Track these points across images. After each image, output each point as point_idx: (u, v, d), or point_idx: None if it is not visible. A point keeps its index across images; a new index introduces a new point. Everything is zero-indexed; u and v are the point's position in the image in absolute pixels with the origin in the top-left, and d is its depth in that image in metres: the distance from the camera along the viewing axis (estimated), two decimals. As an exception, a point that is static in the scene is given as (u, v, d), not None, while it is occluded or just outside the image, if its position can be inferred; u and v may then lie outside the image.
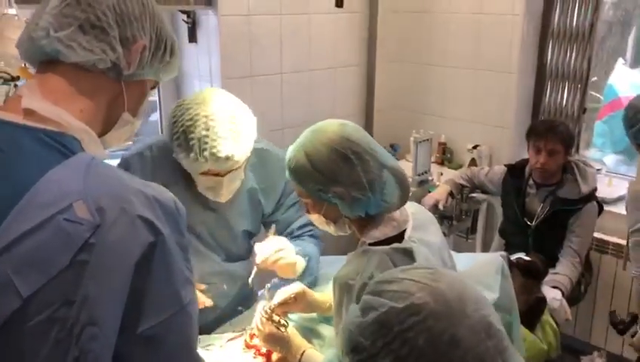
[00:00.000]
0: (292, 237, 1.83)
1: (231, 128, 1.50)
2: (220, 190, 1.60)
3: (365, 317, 0.82)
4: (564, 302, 2.46)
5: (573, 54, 3.04)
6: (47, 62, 0.92)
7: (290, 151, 1.35)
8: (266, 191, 1.80)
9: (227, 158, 1.50)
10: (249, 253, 1.85)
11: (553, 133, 2.60)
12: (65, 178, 0.81)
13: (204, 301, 1.62)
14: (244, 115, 1.56)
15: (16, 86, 1.70)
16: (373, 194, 1.30)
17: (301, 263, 1.72)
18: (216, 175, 1.56)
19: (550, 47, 3.12)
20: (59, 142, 0.85)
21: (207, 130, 1.47)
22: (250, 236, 1.83)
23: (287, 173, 1.37)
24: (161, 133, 2.93)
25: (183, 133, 1.49)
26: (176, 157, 1.54)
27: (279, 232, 1.78)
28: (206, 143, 1.47)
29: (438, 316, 0.78)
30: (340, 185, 1.29)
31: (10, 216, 0.78)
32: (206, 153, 1.47)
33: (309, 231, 1.85)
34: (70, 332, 0.74)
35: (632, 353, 2.58)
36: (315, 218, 1.41)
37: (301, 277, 1.73)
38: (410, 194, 1.40)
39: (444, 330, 0.77)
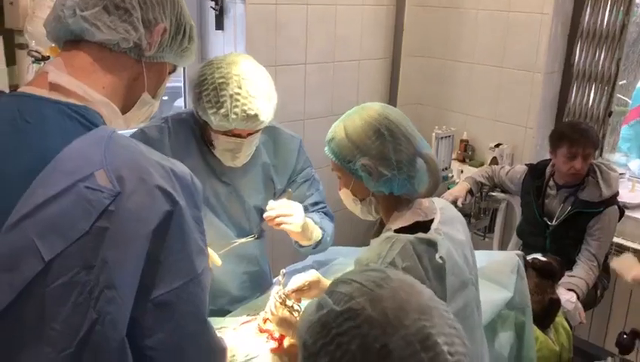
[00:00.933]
0: (306, 213, 1.85)
1: (262, 88, 1.56)
2: (239, 152, 1.63)
3: (315, 315, 0.82)
4: (579, 304, 2.44)
5: (602, 56, 3.00)
6: (72, 42, 0.96)
7: (334, 124, 1.40)
8: (278, 167, 1.83)
9: (257, 117, 1.54)
10: (260, 233, 1.88)
11: (586, 137, 2.58)
12: (87, 148, 0.84)
13: (214, 259, 1.60)
14: (270, 79, 1.62)
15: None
16: (399, 173, 1.31)
17: (317, 232, 1.77)
18: (238, 136, 1.60)
19: (579, 47, 3.07)
20: (82, 115, 0.89)
21: (240, 87, 1.52)
22: (262, 215, 1.85)
23: (326, 146, 1.39)
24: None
25: (214, 90, 1.53)
26: (202, 114, 1.57)
27: None
28: (237, 100, 1.52)
29: (372, 323, 0.77)
30: (368, 158, 1.31)
31: (34, 183, 0.81)
32: (237, 110, 1.52)
33: (323, 208, 1.88)
34: (89, 296, 0.77)
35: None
36: (344, 193, 1.43)
37: (315, 249, 1.82)
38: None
39: (377, 338, 0.76)
